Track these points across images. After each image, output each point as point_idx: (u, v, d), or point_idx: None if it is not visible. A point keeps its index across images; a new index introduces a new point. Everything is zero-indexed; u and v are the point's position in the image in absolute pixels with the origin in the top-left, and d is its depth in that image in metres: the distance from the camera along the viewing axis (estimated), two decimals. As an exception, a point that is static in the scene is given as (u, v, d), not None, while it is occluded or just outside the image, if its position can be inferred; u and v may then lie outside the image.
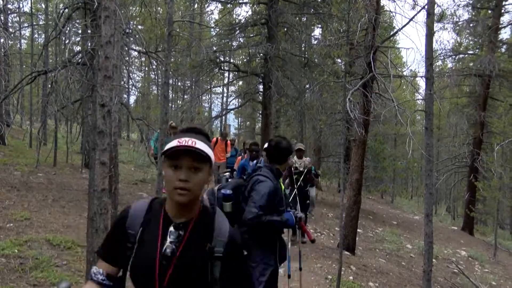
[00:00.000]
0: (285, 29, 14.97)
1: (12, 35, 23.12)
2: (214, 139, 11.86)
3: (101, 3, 4.71)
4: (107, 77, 3.96)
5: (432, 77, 4.86)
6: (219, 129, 34.55)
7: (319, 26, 17.04)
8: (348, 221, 8.31)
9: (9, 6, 20.85)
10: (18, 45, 27.56)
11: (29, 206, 7.74)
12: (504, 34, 16.07)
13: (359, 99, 8.13)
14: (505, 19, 16.30)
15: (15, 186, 9.00)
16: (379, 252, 9.77)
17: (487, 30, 15.76)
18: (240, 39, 16.31)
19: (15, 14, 24.34)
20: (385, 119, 13.95)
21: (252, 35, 15.75)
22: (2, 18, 18.20)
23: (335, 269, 6.71)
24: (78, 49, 8.69)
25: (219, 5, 17.85)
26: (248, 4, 15.54)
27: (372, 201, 20.62)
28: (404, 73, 13.00)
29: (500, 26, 16.19)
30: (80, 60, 7.05)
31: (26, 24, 25.83)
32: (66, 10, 7.87)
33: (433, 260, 5.47)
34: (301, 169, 8.64)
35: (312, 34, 18.36)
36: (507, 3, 15.91)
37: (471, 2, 16.35)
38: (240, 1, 15.34)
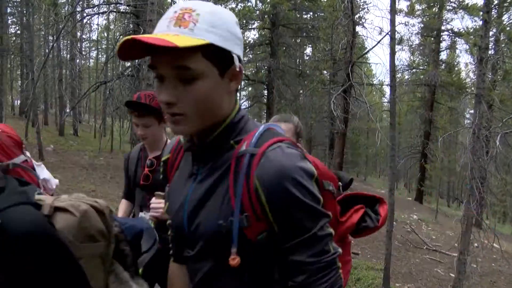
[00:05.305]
0: (284, 48, 14.84)
1: (84, 56, 24.22)
2: None
3: (145, 30, 4.66)
4: (149, 85, 3.95)
5: (394, 85, 4.76)
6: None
7: (310, 46, 16.86)
8: (330, 194, 8.21)
9: (83, 36, 22.42)
10: (88, 63, 28.07)
11: (94, 181, 7.78)
12: (443, 56, 16.68)
13: (340, 102, 7.99)
14: (443, 44, 16.68)
15: (85, 166, 9.05)
16: (353, 216, 9.68)
17: (431, 52, 16.13)
18: (250, 55, 16.21)
19: (86, 42, 25.47)
20: (360, 117, 13.78)
21: (259, 53, 15.68)
22: (78, 45, 18.65)
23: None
24: (128, 64, 8.64)
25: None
26: (256, 29, 15.48)
27: (349, 178, 20.44)
28: (374, 82, 12.83)
29: (440, 49, 16.49)
30: (129, 72, 7.02)
31: (93, 48, 26.69)
32: (121, 36, 7.85)
33: (394, 222, 5.42)
34: None
35: (305, 52, 18.20)
36: (444, 34, 16.29)
37: (420, 31, 16.41)
38: (249, 27, 15.21)
